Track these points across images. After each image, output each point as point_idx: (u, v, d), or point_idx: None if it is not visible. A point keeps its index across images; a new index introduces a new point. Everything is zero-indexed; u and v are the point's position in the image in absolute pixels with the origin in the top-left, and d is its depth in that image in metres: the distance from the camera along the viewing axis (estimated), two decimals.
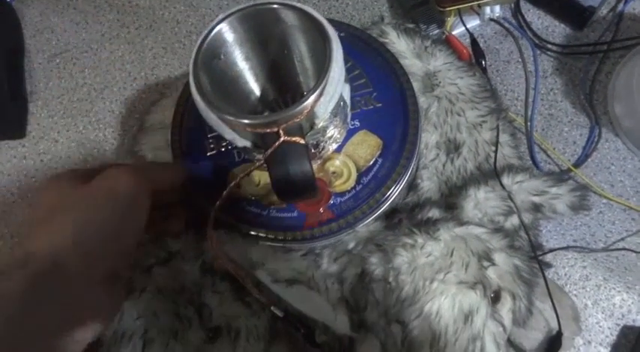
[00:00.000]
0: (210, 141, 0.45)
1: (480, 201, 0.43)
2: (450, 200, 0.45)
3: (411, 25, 0.56)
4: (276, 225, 0.41)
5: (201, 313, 0.40)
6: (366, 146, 0.42)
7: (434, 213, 0.42)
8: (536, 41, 0.58)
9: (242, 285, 0.42)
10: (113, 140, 0.64)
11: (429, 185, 0.47)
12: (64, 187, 0.33)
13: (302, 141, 0.32)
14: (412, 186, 0.47)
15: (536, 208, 0.43)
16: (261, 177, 0.42)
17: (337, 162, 0.42)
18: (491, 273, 0.38)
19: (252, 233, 0.40)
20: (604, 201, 0.52)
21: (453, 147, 0.48)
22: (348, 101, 0.40)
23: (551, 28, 0.59)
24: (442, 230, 0.39)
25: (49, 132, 0.66)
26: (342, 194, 0.41)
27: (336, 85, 0.33)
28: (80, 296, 0.30)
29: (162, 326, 0.39)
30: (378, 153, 0.42)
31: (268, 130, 0.31)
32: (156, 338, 0.39)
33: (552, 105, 0.56)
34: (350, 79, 0.44)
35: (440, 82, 0.49)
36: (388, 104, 0.44)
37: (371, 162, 0.42)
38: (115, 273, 0.32)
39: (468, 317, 0.37)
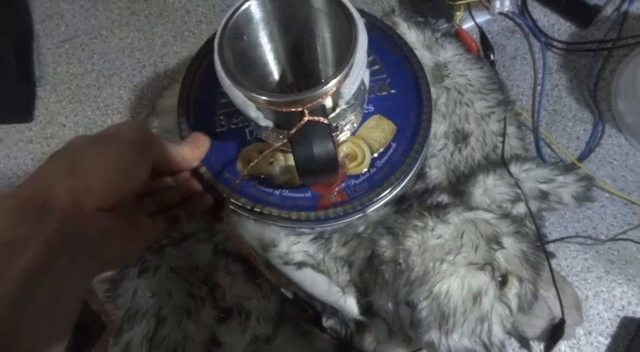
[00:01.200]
0: (221, 117, 0.44)
1: (489, 188, 0.43)
2: (458, 187, 0.46)
3: (420, 19, 0.57)
4: (290, 205, 0.41)
5: (214, 293, 0.41)
6: (380, 130, 0.43)
7: (443, 198, 0.43)
8: (543, 38, 0.59)
9: (254, 267, 0.43)
10: None
11: (437, 173, 0.48)
12: (78, 139, 0.33)
13: (326, 121, 0.32)
14: (420, 174, 0.48)
15: (544, 196, 0.44)
16: (274, 158, 0.43)
17: (351, 145, 0.42)
18: (499, 257, 0.39)
19: (265, 212, 0.41)
20: (606, 195, 0.54)
21: (461, 137, 0.49)
22: (368, 86, 0.40)
23: (557, 25, 0.60)
24: (452, 213, 0.40)
25: (56, 117, 0.66)
26: (356, 176, 0.42)
27: (360, 68, 0.34)
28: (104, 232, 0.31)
29: (175, 305, 0.39)
30: (392, 137, 0.43)
31: (293, 109, 0.32)
32: (169, 317, 0.39)
33: (557, 101, 0.58)
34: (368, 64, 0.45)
35: (449, 73, 0.50)
36: (402, 90, 0.44)
37: (385, 147, 0.42)
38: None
39: (476, 298, 0.37)
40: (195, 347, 0.39)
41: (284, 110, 0.32)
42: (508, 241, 0.40)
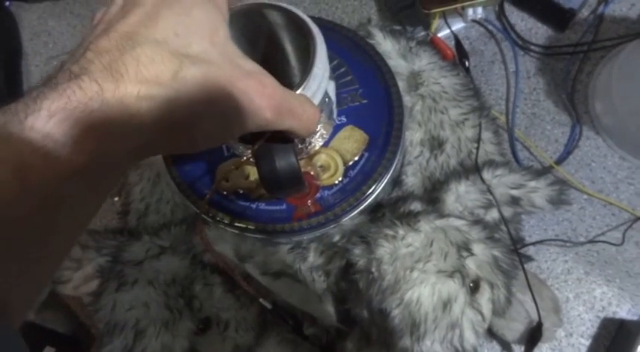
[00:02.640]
0: None
1: (461, 195, 0.44)
2: (433, 194, 0.46)
3: (397, 27, 0.58)
4: (265, 217, 0.42)
5: (191, 305, 0.42)
6: (353, 141, 0.43)
7: (415, 206, 0.44)
8: (520, 42, 0.60)
9: (232, 278, 0.44)
10: None
11: (413, 180, 0.48)
12: None
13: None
14: (397, 181, 0.49)
15: (515, 201, 0.44)
16: (251, 171, 0.43)
17: (324, 156, 0.43)
18: (470, 263, 0.40)
19: (241, 225, 0.42)
20: (585, 197, 0.54)
21: (436, 144, 0.49)
22: (334, 97, 0.41)
23: (534, 29, 0.60)
24: (423, 221, 0.41)
25: None
26: (329, 187, 0.43)
27: (320, 82, 0.34)
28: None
29: (153, 317, 0.40)
30: (364, 147, 0.43)
31: None
32: (147, 329, 0.40)
33: (535, 105, 0.58)
34: (336, 76, 0.46)
35: (424, 81, 0.50)
36: (374, 100, 0.45)
37: (357, 157, 0.43)
38: None
39: (446, 305, 0.38)
40: None
41: None
42: (478, 248, 0.40)
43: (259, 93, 0.28)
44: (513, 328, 0.48)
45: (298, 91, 0.33)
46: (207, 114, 0.26)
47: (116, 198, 0.62)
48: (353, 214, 0.44)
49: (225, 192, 0.43)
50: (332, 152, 0.44)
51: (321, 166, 0.43)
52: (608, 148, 0.55)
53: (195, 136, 0.27)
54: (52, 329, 0.56)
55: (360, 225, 0.44)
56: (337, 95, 0.43)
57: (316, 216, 0.42)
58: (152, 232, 0.46)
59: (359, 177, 0.43)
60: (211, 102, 0.26)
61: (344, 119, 0.45)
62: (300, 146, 0.42)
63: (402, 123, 0.44)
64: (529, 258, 0.49)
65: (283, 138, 0.33)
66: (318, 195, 0.43)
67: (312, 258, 0.45)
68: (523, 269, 0.45)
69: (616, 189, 0.54)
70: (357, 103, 0.45)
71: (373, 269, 0.40)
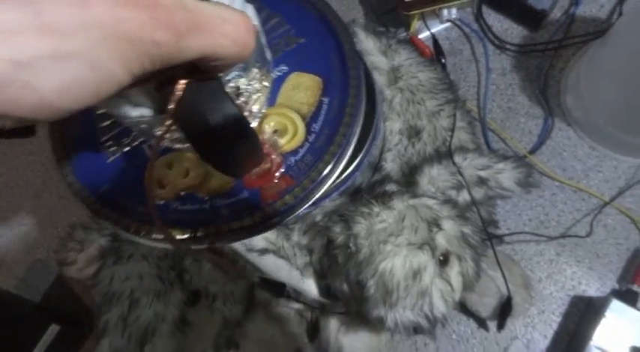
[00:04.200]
0: (108, 143, 0.37)
1: (434, 176, 0.47)
2: (409, 178, 0.50)
3: (381, 29, 0.62)
4: (228, 214, 0.35)
5: (181, 277, 0.45)
6: (304, 89, 0.37)
7: (391, 187, 0.47)
8: (497, 42, 0.63)
9: (220, 254, 0.47)
10: None
11: (392, 166, 0.52)
12: None
13: (212, 78, 0.24)
14: (377, 167, 0.52)
15: (483, 182, 0.47)
16: (190, 164, 0.35)
17: (275, 118, 0.36)
18: (439, 238, 0.43)
19: (203, 233, 0.34)
20: (557, 184, 0.57)
21: (414, 133, 0.53)
22: (263, 39, 0.32)
23: (510, 30, 0.64)
24: (396, 200, 0.44)
25: None
26: (294, 152, 0.36)
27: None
28: None
29: (146, 288, 0.43)
30: (320, 92, 0.37)
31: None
32: (141, 298, 0.43)
33: (510, 99, 0.62)
34: (262, 21, 0.34)
35: (403, 75, 0.54)
36: (312, 36, 0.38)
37: (316, 106, 0.36)
38: None
39: (416, 274, 0.41)
40: (167, 325, 0.43)
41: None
42: (448, 224, 0.44)
43: (131, 4, 0.18)
44: (486, 303, 0.51)
45: None
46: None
47: None
48: (333, 195, 0.48)
49: (163, 201, 0.35)
50: (283, 110, 0.37)
51: (275, 131, 0.37)
52: (578, 139, 0.59)
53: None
54: (57, 309, 0.59)
55: (339, 206, 0.47)
56: (268, 43, 0.34)
57: (290, 193, 0.36)
58: None
59: (326, 128, 0.36)
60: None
61: (284, 68, 0.38)
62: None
63: (355, 52, 0.38)
64: (500, 239, 0.53)
65: (204, 83, 0.24)
66: (283, 167, 0.36)
67: (296, 237, 0.49)
68: (492, 247, 0.48)
69: (586, 177, 0.57)
70: (294, 45, 0.39)
71: (351, 244, 0.43)
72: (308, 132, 0.37)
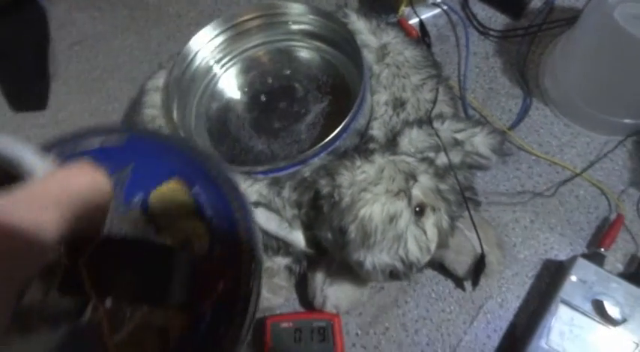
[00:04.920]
0: None
1: (413, 138, 0.51)
2: (392, 142, 0.54)
3: (373, 14, 0.67)
4: None
5: None
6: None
7: (374, 146, 0.52)
8: (480, 29, 0.68)
9: None
10: (120, 111, 0.75)
11: (377, 133, 0.56)
12: None
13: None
14: (364, 134, 0.57)
15: (458, 143, 0.51)
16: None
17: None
18: (415, 190, 0.47)
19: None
20: (533, 157, 0.61)
21: (399, 104, 0.57)
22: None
23: (493, 18, 0.69)
24: (377, 155, 0.48)
25: (66, 106, 0.77)
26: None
27: None
28: None
29: None
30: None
31: None
32: None
33: (492, 81, 0.66)
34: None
35: (390, 52, 0.59)
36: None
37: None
38: None
39: (392, 219, 0.45)
40: None
41: None
42: (424, 178, 0.48)
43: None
44: (462, 261, 0.54)
45: None
46: None
47: None
48: (321, 155, 0.52)
49: None
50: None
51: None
52: (554, 117, 0.63)
53: None
54: None
55: (326, 162, 0.51)
56: None
57: None
58: None
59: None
60: None
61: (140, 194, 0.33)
62: None
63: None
64: (477, 202, 0.56)
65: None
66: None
67: (287, 193, 0.53)
68: (467, 208, 0.52)
69: (560, 151, 0.61)
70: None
71: (335, 194, 0.47)
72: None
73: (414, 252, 0.46)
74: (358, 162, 0.48)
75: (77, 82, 0.78)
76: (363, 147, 0.52)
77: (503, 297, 0.56)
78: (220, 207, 0.32)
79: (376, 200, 0.46)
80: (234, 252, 0.30)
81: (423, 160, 0.50)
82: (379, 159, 0.48)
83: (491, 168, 0.61)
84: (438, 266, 0.57)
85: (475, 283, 0.54)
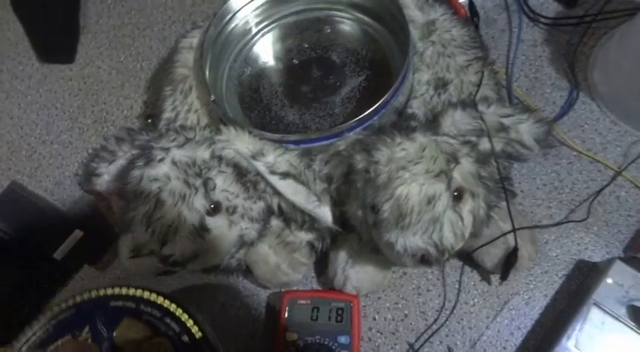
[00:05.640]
0: None
1: (456, 119, 0.49)
2: (433, 122, 0.51)
3: None
4: None
5: (206, 185, 0.47)
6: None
7: (414, 124, 0.49)
8: (530, 14, 0.65)
9: (243, 173, 0.50)
10: (148, 70, 0.73)
11: (416, 112, 0.54)
12: None
13: None
14: (402, 113, 0.54)
15: (504, 129, 0.48)
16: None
17: None
18: (456, 173, 0.44)
19: None
20: (574, 153, 0.58)
21: (441, 84, 0.55)
22: None
23: (545, 4, 0.66)
24: (418, 133, 0.45)
25: (94, 61, 0.75)
26: None
27: None
28: None
29: (173, 189, 0.46)
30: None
31: None
32: (167, 199, 0.46)
33: (538, 70, 0.63)
34: None
35: (437, 29, 0.56)
36: None
37: None
38: None
39: (430, 201, 0.43)
40: (188, 228, 0.45)
41: None
42: (465, 161, 0.45)
43: None
44: (492, 253, 0.52)
45: None
46: None
47: (149, 120, 0.69)
48: (357, 130, 0.50)
49: None
50: None
51: None
52: (601, 113, 0.60)
53: None
54: (82, 218, 0.62)
55: (362, 137, 0.49)
56: None
57: None
58: (179, 131, 0.53)
59: None
60: None
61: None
62: None
63: None
64: (513, 193, 0.54)
65: None
66: None
67: (317, 166, 0.51)
68: (506, 197, 0.50)
69: (604, 149, 0.58)
70: None
71: (371, 170, 0.45)
72: None
73: (448, 237, 0.44)
74: (398, 139, 0.45)
75: (107, 38, 0.76)
76: (403, 124, 0.49)
77: (530, 295, 0.54)
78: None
79: (414, 179, 0.43)
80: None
81: (465, 143, 0.47)
82: (420, 138, 0.46)
83: (529, 160, 0.59)
84: (465, 256, 0.55)
85: (504, 277, 0.52)
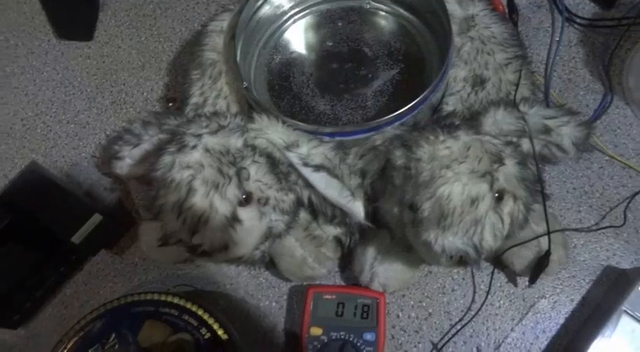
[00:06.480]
0: None
1: (498, 119, 0.48)
2: (472, 121, 0.50)
3: None
4: None
5: (239, 175, 0.46)
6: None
7: (456, 121, 0.48)
8: (566, 14, 0.64)
9: (276, 164, 0.48)
10: (170, 52, 0.71)
11: (452, 109, 0.53)
12: None
13: None
14: (437, 109, 0.53)
15: (547, 131, 0.47)
16: None
17: None
18: (499, 174, 0.43)
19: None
20: (606, 158, 0.58)
21: (478, 82, 0.53)
22: None
23: (581, 5, 0.65)
24: (462, 132, 0.44)
25: (113, 39, 0.73)
26: None
27: None
28: None
29: (206, 178, 0.44)
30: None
31: None
32: (199, 187, 0.44)
33: (572, 72, 0.62)
34: None
35: (476, 25, 0.55)
36: None
37: None
38: None
39: (474, 202, 0.41)
40: (219, 217, 0.44)
41: None
42: (510, 162, 0.44)
43: None
44: (522, 256, 0.51)
45: None
46: None
47: (170, 104, 0.68)
48: (395, 124, 0.49)
49: None
50: None
51: None
52: (635, 118, 0.59)
53: None
54: (97, 201, 0.61)
55: (401, 133, 0.48)
56: None
57: None
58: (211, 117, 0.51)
59: None
60: None
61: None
62: None
63: None
64: (547, 196, 0.53)
65: None
66: None
67: (351, 160, 0.50)
68: (543, 199, 0.49)
69: (637, 155, 0.57)
70: None
71: (411, 167, 0.44)
72: None
73: (488, 240, 0.43)
74: (442, 137, 0.44)
75: (127, 16, 0.74)
76: (443, 122, 0.48)
77: (557, 299, 0.54)
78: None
79: (458, 179, 0.42)
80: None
81: (509, 144, 0.46)
82: (464, 137, 0.44)
83: (561, 164, 0.58)
84: (493, 257, 0.54)
85: (533, 280, 0.51)
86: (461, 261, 0.43)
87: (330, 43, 0.61)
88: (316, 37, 0.61)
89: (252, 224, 0.47)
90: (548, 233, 0.49)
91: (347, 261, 0.56)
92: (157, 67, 0.70)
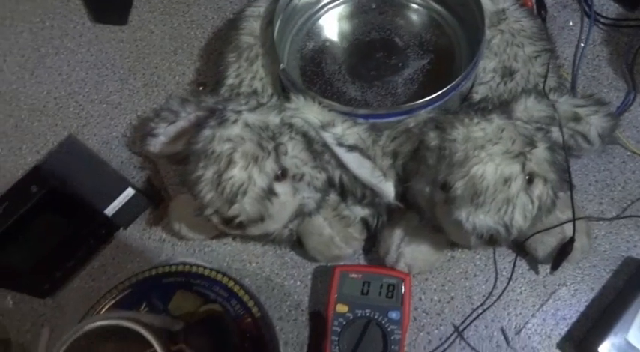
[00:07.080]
0: None
1: (529, 106, 0.49)
2: (505, 108, 0.51)
3: None
4: None
5: (277, 149, 0.47)
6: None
7: (489, 106, 0.50)
8: (593, 14, 0.66)
9: (311, 142, 0.50)
10: (202, 39, 0.73)
11: (483, 97, 0.54)
12: None
13: None
14: (466, 98, 0.55)
15: (576, 119, 0.49)
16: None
17: None
18: (531, 157, 0.45)
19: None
20: (628, 153, 0.59)
21: (507, 73, 0.55)
22: None
23: (606, 5, 0.67)
24: (495, 115, 0.46)
25: (147, 24, 0.75)
26: None
27: None
28: None
29: (245, 151, 0.46)
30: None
31: None
32: (239, 160, 0.46)
33: (596, 70, 0.64)
34: None
35: (506, 18, 0.56)
36: None
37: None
38: None
39: (506, 181, 0.43)
40: (256, 190, 0.45)
41: None
42: (542, 145, 0.46)
43: None
44: (546, 242, 0.53)
45: None
46: None
47: (201, 88, 0.69)
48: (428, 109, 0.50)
49: None
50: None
51: None
52: None
53: None
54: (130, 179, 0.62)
55: (434, 115, 0.49)
56: None
57: None
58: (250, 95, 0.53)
59: None
60: None
61: None
62: None
63: None
64: (573, 185, 0.54)
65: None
66: None
67: (384, 142, 0.51)
68: (570, 186, 0.50)
69: None
70: None
71: (446, 147, 0.45)
72: None
73: (518, 220, 0.44)
74: (476, 119, 0.46)
75: (161, 2, 0.76)
76: (479, 106, 0.50)
77: (577, 287, 0.55)
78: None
79: (491, 159, 0.44)
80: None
81: (540, 129, 0.48)
82: (497, 120, 0.46)
83: (584, 157, 0.60)
84: (515, 243, 0.55)
85: (555, 267, 0.53)
86: (490, 240, 0.45)
87: (362, 33, 0.63)
88: (349, 26, 0.63)
89: (286, 199, 0.48)
90: (574, 219, 0.50)
91: (372, 243, 0.57)
92: (188, 52, 0.72)
